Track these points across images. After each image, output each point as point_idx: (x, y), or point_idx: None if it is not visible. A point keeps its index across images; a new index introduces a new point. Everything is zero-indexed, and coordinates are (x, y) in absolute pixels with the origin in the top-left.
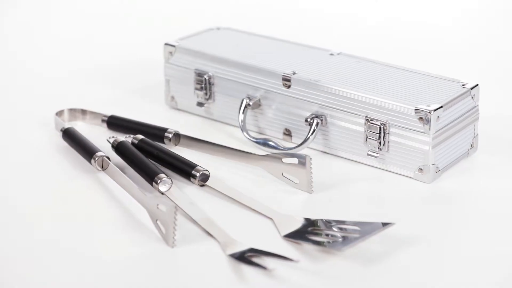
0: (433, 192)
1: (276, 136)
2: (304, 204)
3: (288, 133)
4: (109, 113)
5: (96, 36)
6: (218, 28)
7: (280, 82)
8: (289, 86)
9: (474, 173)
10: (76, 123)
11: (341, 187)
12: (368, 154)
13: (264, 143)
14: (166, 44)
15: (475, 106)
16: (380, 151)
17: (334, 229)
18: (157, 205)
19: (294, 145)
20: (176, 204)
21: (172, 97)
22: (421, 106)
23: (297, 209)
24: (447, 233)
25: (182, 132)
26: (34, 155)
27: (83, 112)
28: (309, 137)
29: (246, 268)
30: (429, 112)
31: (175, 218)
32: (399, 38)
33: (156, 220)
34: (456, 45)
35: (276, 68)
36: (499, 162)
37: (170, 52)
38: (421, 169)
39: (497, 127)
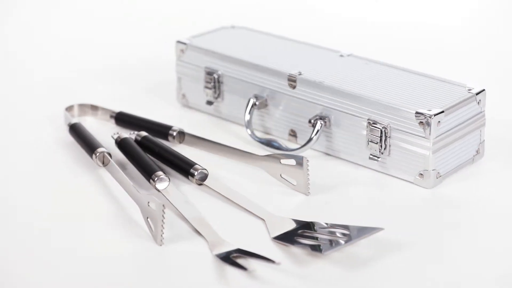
0: (432, 198)
1: (282, 137)
2: (300, 206)
3: (293, 134)
4: (121, 110)
5: (111, 35)
6: (233, 27)
7: (286, 83)
8: (294, 87)
9: (478, 180)
10: (85, 118)
11: (340, 189)
12: (370, 158)
13: (268, 143)
14: (178, 41)
15: (481, 112)
16: (382, 155)
17: (323, 232)
18: (148, 202)
19: (298, 146)
20: (171, 202)
21: (183, 95)
22: (422, 110)
23: (292, 211)
24: (440, 239)
25: (188, 130)
26: (40, 151)
27: (93, 107)
28: (312, 139)
29: (231, 269)
30: (430, 117)
31: (163, 216)
32: (408, 39)
33: (147, 217)
34: (466, 47)
35: (283, 68)
36: (504, 169)
37: (182, 50)
38: (421, 174)
39: (504, 131)
